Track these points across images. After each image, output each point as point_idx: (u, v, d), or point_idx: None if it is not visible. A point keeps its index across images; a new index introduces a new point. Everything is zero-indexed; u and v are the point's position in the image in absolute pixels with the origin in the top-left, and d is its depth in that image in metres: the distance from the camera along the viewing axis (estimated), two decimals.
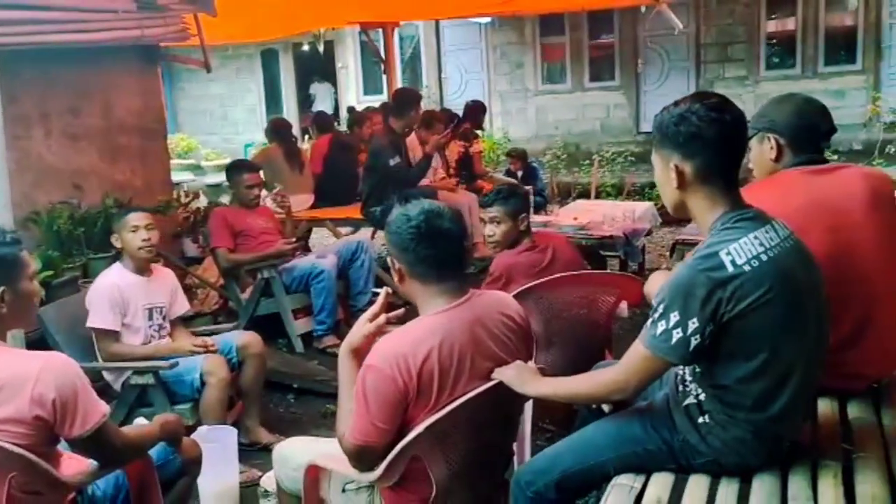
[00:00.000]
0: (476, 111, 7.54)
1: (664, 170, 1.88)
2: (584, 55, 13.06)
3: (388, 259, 2.11)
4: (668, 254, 6.91)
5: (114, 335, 3.50)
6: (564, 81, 13.34)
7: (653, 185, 9.83)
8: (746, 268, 1.72)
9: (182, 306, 3.84)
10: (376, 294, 5.35)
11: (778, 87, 11.74)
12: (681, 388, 1.92)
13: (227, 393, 3.45)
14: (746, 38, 11.93)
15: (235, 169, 5.02)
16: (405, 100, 5.95)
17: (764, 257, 1.74)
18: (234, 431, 3.27)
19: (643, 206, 6.23)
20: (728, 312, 1.71)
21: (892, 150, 9.56)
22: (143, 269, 3.66)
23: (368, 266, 5.10)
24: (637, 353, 1.81)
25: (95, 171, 5.10)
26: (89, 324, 3.49)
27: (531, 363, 2.14)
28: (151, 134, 5.55)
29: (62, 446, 2.10)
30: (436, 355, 1.98)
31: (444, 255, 2.04)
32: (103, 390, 3.69)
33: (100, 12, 4.79)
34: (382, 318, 2.16)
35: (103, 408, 2.02)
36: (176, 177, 11.45)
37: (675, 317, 1.73)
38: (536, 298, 3.07)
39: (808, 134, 2.31)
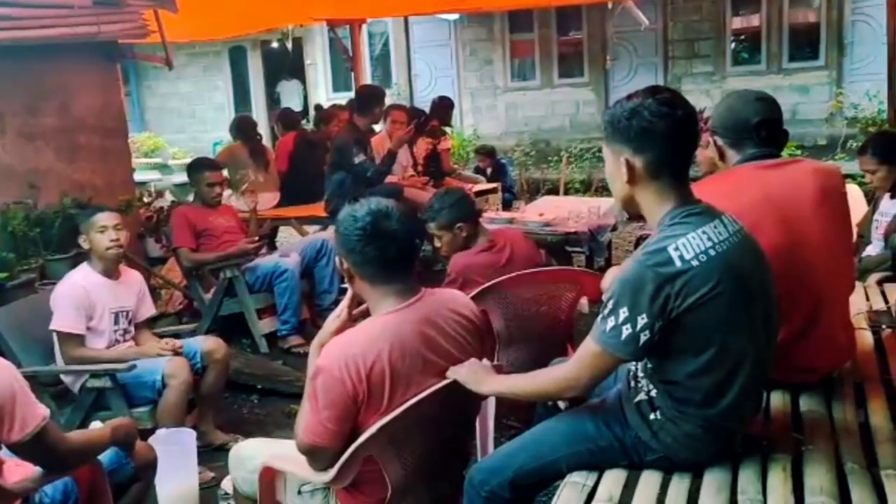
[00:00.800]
0: (443, 108, 7.49)
1: (615, 163, 1.88)
2: (553, 52, 13.09)
3: (336, 259, 2.09)
4: (633, 249, 6.97)
5: (78, 338, 3.42)
6: (534, 78, 13.36)
7: None
8: (695, 263, 1.72)
9: (149, 310, 3.78)
10: (344, 291, 5.39)
11: (744, 82, 11.85)
12: (633, 384, 1.92)
13: (188, 396, 3.41)
14: (713, 34, 12.02)
15: (196, 167, 4.96)
16: (369, 96, 5.91)
17: (712, 252, 1.74)
18: (193, 434, 3.23)
19: (609, 202, 6.23)
20: (677, 308, 1.71)
21: (854, 144, 9.69)
22: (110, 270, 3.58)
23: (333, 265, 5.06)
24: (588, 349, 1.80)
25: (53, 170, 5.00)
26: (53, 326, 3.41)
27: (486, 361, 2.12)
28: (111, 132, 5.46)
29: (6, 453, 2.05)
30: (386, 357, 1.96)
31: (392, 256, 2.03)
32: (62, 394, 3.64)
33: (55, 8, 4.70)
34: (345, 313, 2.15)
35: (43, 411, 1.97)
36: (143, 176, 11.36)
37: (624, 312, 1.72)
38: (496, 297, 3.06)
39: (740, 128, 2.30)
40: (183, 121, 15.68)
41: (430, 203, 3.38)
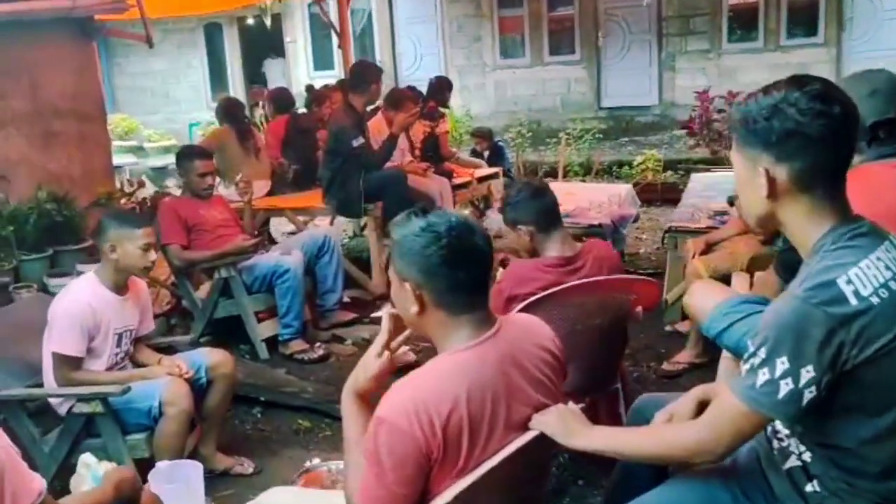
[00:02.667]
0: (441, 88, 7.07)
1: (749, 174, 1.50)
2: (543, 28, 12.68)
3: (404, 285, 1.69)
4: (661, 241, 6.63)
5: (77, 361, 3.00)
6: (523, 56, 12.95)
7: (621, 164, 9.61)
8: (874, 300, 1.36)
9: (149, 325, 3.37)
10: (352, 289, 4.98)
11: (741, 60, 11.59)
12: (776, 444, 1.57)
13: (188, 425, 3.00)
14: (708, 10, 11.69)
15: (186, 156, 4.51)
16: (364, 73, 5.44)
17: (894, 285, 1.38)
18: (200, 467, 2.83)
19: (624, 189, 5.90)
20: (853, 358, 1.35)
21: None
22: (121, 285, 3.14)
23: (337, 262, 4.67)
24: (729, 407, 1.44)
25: (25, 160, 4.55)
26: (54, 348, 2.97)
27: (572, 405, 1.76)
28: (88, 117, 5.02)
29: None
30: (464, 404, 1.58)
31: (478, 279, 1.66)
32: (42, 412, 3.23)
33: None
34: (387, 355, 1.76)
35: (38, 485, 1.58)
36: (118, 160, 10.76)
37: (782, 364, 1.36)
38: (545, 311, 2.68)
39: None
40: (157, 101, 15.03)
41: (509, 191, 2.97)
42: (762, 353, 1.39)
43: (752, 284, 3.70)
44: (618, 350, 2.95)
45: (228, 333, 4.52)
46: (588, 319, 2.76)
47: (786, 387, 1.36)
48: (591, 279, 2.71)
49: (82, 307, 2.98)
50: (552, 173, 9.14)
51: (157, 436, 2.96)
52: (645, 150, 10.11)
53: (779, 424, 1.56)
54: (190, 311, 4.69)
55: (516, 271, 2.80)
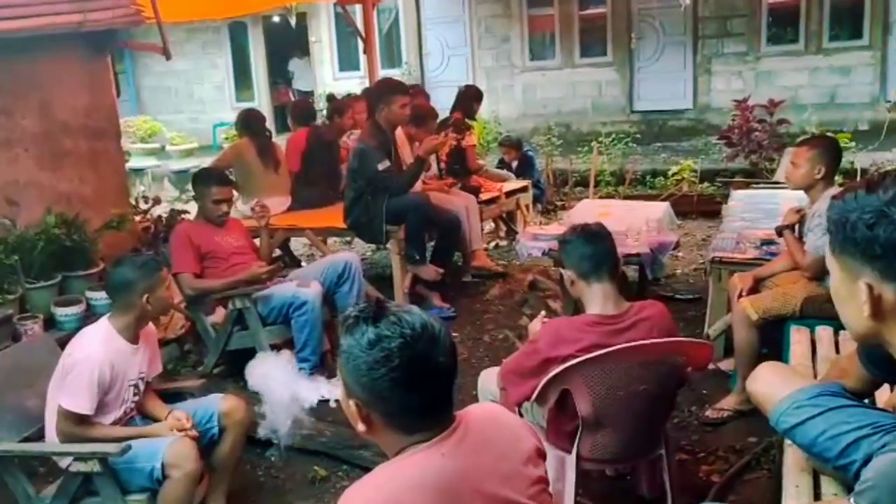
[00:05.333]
0: (469, 98, 6.79)
1: (848, 287, 1.23)
2: (574, 28, 12.33)
3: (349, 401, 1.44)
4: (698, 258, 6.31)
5: (85, 418, 2.78)
6: (553, 57, 12.61)
7: (655, 174, 9.26)
8: None
9: (157, 368, 3.16)
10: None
11: (779, 63, 11.17)
12: None
13: (193, 489, 2.77)
14: (747, 10, 11.27)
15: (202, 180, 4.28)
16: (387, 91, 5.10)
17: None
18: None
19: (660, 209, 5.56)
20: None
21: None
22: (137, 334, 2.95)
23: (358, 290, 4.42)
24: None
25: (34, 182, 4.35)
26: (62, 403, 2.75)
27: None
28: (102, 134, 4.80)
29: None
30: None
31: (439, 398, 1.42)
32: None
33: None
34: None
35: None
36: (139, 163, 10.67)
37: None
38: (586, 375, 2.42)
39: None
40: (180, 101, 14.92)
41: (566, 231, 2.72)
42: None
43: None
44: (663, 416, 2.67)
45: (241, 364, 4.30)
46: (631, 385, 2.49)
47: None
48: (637, 343, 2.42)
49: (102, 365, 2.76)
50: (583, 182, 8.84)
51: (159, 500, 2.74)
52: (679, 158, 9.76)
53: None
54: (202, 337, 4.48)
55: (554, 330, 2.52)
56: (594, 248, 2.55)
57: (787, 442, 1.99)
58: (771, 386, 1.89)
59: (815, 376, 2.46)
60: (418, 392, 1.38)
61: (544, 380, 2.45)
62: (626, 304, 2.53)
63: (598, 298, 2.53)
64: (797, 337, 2.77)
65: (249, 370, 3.58)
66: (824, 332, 2.83)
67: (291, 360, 3.64)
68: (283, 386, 3.42)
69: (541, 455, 1.59)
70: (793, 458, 1.96)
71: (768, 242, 4.25)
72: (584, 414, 2.48)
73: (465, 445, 1.43)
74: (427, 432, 1.42)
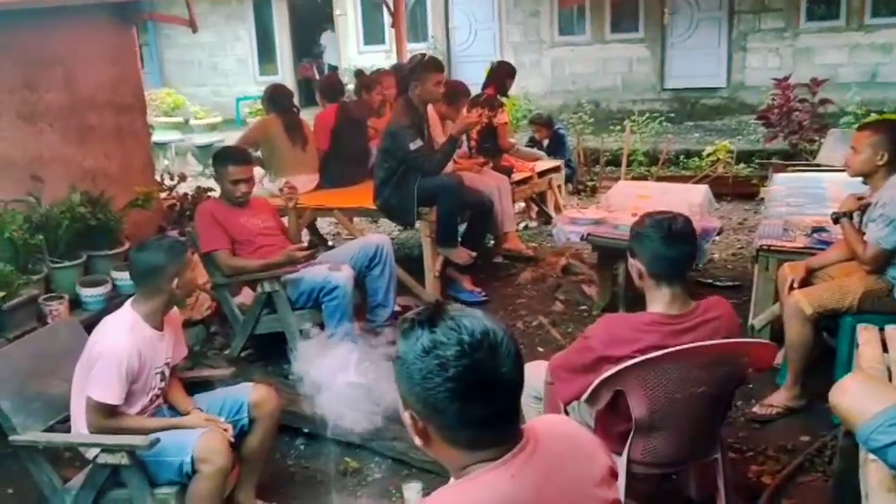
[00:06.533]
0: (502, 74, 6.57)
1: None
2: (604, 3, 12.01)
3: (404, 412, 1.32)
4: (736, 242, 6.11)
5: (114, 408, 2.69)
6: (583, 32, 12.32)
7: (689, 154, 9.01)
8: None
9: (182, 352, 3.07)
10: (399, 310, 4.59)
11: (819, 40, 10.83)
12: None
13: (224, 484, 2.67)
14: None
15: (219, 159, 4.12)
16: (419, 67, 4.93)
17: None
18: None
19: (700, 192, 5.37)
20: None
21: None
22: (160, 319, 2.85)
23: (390, 274, 4.29)
24: None
25: (59, 158, 4.23)
26: (91, 394, 2.65)
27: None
28: (127, 108, 4.69)
29: None
30: None
31: (502, 411, 1.29)
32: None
33: None
34: None
35: None
36: (162, 136, 10.55)
37: None
38: (642, 377, 2.27)
39: None
40: (204, 73, 14.79)
41: (645, 217, 2.44)
42: None
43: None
44: (720, 418, 2.51)
45: (269, 349, 4.20)
46: (689, 387, 2.33)
47: None
48: (699, 344, 2.26)
49: (129, 351, 2.66)
50: (614, 161, 8.62)
51: (189, 494, 2.63)
52: (712, 137, 9.51)
53: None
54: (228, 318, 4.37)
55: (610, 329, 2.36)
56: (676, 252, 2.33)
57: (871, 457, 1.83)
58: (861, 400, 1.73)
59: (890, 379, 2.29)
60: (478, 405, 1.25)
61: (597, 380, 2.31)
62: (691, 304, 2.35)
63: (664, 298, 2.35)
64: (866, 336, 2.59)
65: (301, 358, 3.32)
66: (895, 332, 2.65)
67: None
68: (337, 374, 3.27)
69: (614, 475, 1.45)
70: (877, 477, 1.80)
71: (819, 230, 4.04)
72: (639, 416, 2.33)
73: (534, 465, 1.30)
74: (490, 449, 1.29)
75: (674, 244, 2.32)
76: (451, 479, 1.37)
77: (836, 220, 3.60)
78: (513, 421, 1.32)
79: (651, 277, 2.34)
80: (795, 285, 3.53)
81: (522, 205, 7.06)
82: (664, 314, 2.32)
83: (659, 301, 2.35)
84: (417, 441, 1.33)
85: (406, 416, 1.32)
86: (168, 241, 2.94)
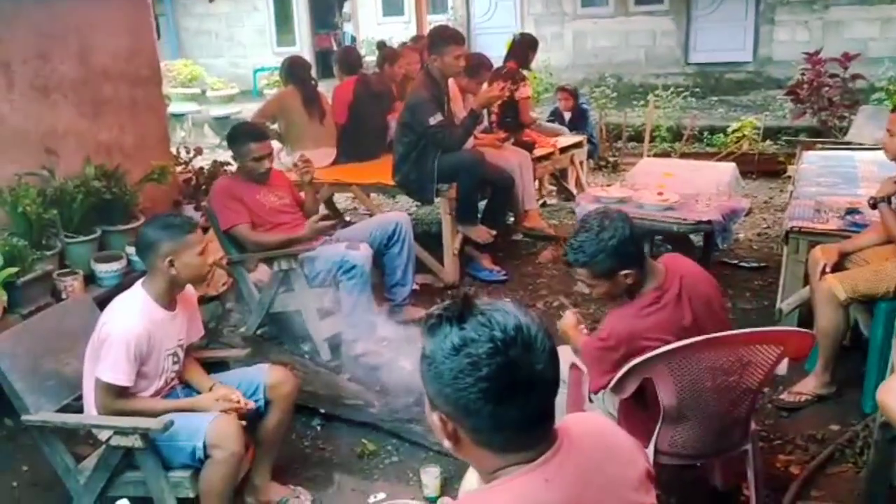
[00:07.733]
0: (525, 47, 6.40)
1: None
2: None
3: (433, 414, 1.25)
4: (766, 225, 5.96)
5: (124, 390, 2.63)
6: (606, 4, 12.06)
7: (713, 130, 8.81)
8: None
9: (198, 331, 3.00)
10: (416, 288, 4.51)
11: (850, 12, 10.53)
12: None
13: (237, 469, 2.61)
14: None
15: (238, 138, 3.99)
16: (440, 37, 4.78)
17: None
18: None
19: (727, 171, 5.21)
20: None
21: None
22: (173, 299, 2.77)
23: (408, 252, 4.20)
24: None
25: (73, 130, 4.15)
26: (99, 375, 2.59)
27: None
28: (142, 80, 4.59)
29: None
30: None
31: (537, 413, 1.21)
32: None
33: None
34: None
35: None
36: (179, 107, 10.49)
37: None
38: (670, 365, 2.18)
39: None
40: (221, 44, 14.67)
41: (577, 240, 2.33)
42: None
43: None
44: (749, 408, 2.42)
45: (286, 328, 4.14)
46: (719, 377, 2.24)
47: None
48: (734, 332, 2.17)
49: (137, 333, 2.58)
50: (636, 137, 8.46)
51: (202, 479, 2.58)
52: (737, 113, 9.30)
53: None
54: (244, 295, 4.30)
55: (622, 327, 2.29)
56: (639, 236, 2.39)
57: None
58: None
59: None
60: (512, 406, 1.17)
61: (625, 367, 2.22)
62: (659, 266, 2.41)
63: (650, 273, 2.38)
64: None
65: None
66: None
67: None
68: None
69: (651, 479, 1.37)
70: None
71: (853, 211, 3.90)
72: (667, 405, 2.24)
73: (569, 468, 1.23)
74: (524, 452, 1.22)
75: (634, 232, 2.37)
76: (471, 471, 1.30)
77: (873, 205, 3.47)
78: (548, 422, 1.25)
79: (642, 269, 2.38)
80: (828, 269, 3.41)
81: (549, 183, 6.94)
82: (655, 287, 2.34)
83: (648, 279, 2.36)
84: (446, 444, 1.25)
85: (434, 419, 1.24)
86: (170, 219, 2.82)
